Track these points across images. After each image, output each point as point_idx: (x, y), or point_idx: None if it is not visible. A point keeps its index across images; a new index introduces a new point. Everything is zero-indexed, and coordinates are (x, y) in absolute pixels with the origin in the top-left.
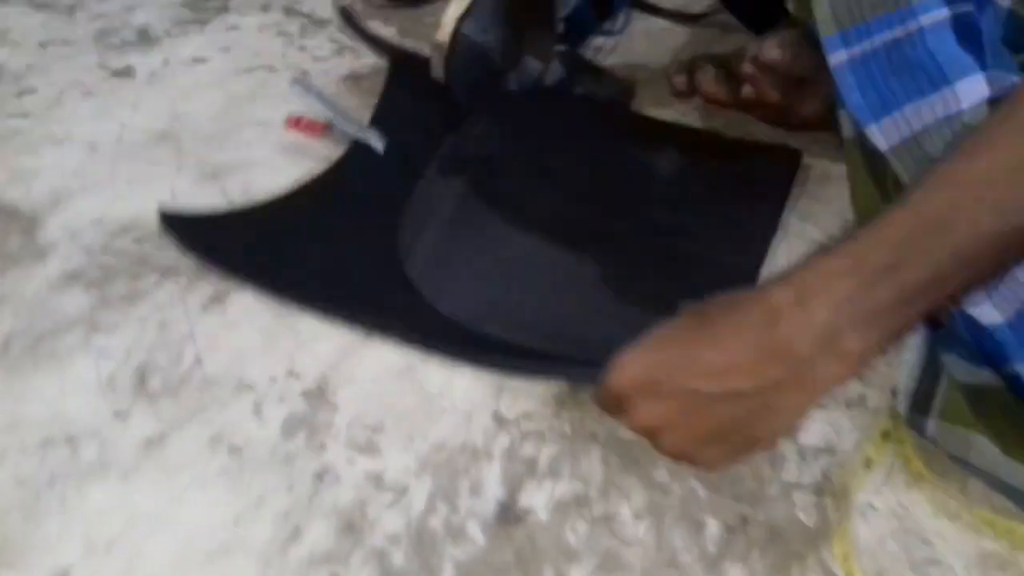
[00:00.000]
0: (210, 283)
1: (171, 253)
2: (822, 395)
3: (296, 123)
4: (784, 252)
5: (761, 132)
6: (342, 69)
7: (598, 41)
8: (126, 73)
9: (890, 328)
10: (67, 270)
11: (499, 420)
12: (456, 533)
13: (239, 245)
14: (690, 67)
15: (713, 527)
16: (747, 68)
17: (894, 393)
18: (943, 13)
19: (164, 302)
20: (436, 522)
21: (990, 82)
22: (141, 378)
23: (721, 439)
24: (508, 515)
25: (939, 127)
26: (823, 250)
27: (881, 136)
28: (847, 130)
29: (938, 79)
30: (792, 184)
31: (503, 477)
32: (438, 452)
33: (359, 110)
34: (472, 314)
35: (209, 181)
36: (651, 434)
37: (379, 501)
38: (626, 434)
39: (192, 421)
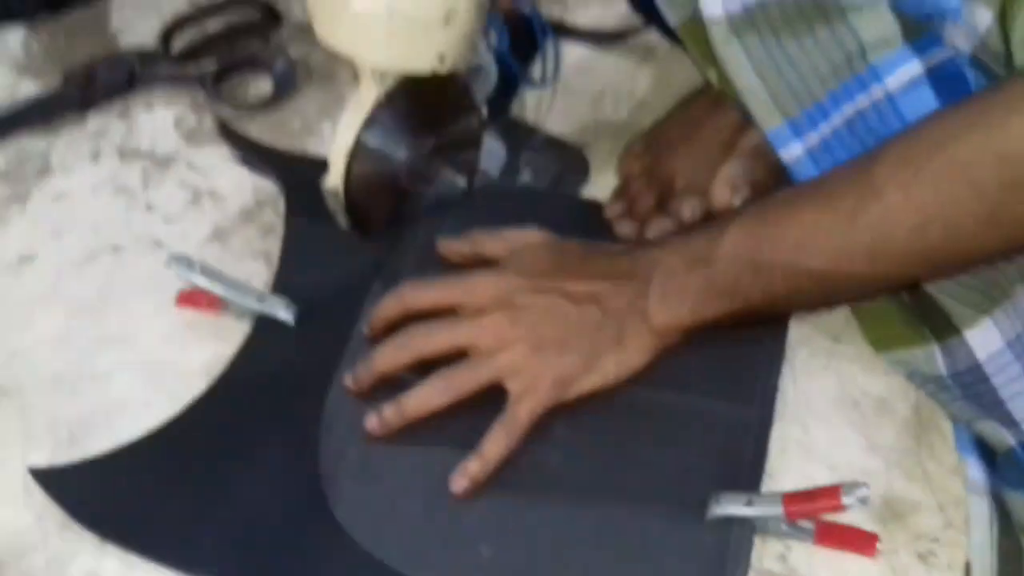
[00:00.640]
0: None
1: None
2: (630, 356)
3: (189, 298)
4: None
5: None
6: (203, 227)
7: (530, 97)
8: None
9: (697, 312)
10: None
11: None
12: None
13: (120, 502)
14: (630, 203)
15: None
16: (687, 212)
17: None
18: (914, 68)
19: None
20: None
21: None
22: None
23: (560, 348)
24: None
25: None
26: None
27: None
28: None
29: None
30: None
31: None
32: None
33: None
34: (415, 561)
35: (66, 450)
36: (495, 336)
37: None
38: None
39: None
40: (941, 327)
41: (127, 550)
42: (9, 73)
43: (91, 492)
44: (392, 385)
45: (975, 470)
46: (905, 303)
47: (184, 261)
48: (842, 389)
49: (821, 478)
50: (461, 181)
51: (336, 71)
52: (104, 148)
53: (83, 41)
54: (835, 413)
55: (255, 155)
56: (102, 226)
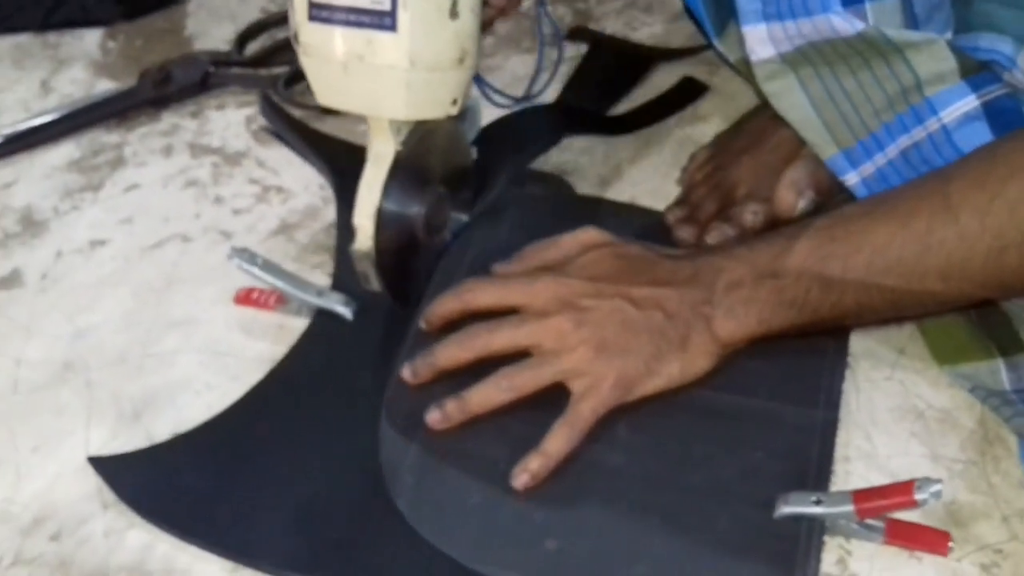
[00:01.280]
0: None
1: (98, 548)
2: (694, 360)
3: (247, 297)
4: None
5: None
6: (270, 220)
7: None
8: (14, 281)
9: (764, 322)
10: None
11: None
12: None
13: (178, 490)
14: (691, 210)
15: None
16: (749, 218)
17: None
18: (970, 102)
19: None
20: None
21: None
22: None
23: (623, 350)
24: None
25: None
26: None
27: None
28: None
29: None
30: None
31: None
32: None
33: (300, 275)
34: (480, 555)
35: (129, 425)
36: (558, 338)
37: None
38: None
39: None
40: (1007, 343)
41: (185, 540)
42: (86, 71)
43: (149, 481)
44: (449, 379)
45: None
46: (972, 318)
47: (246, 254)
48: (906, 400)
49: None
50: (464, 219)
51: None
52: (176, 144)
53: (159, 44)
54: (898, 424)
55: (304, 141)
56: (171, 216)
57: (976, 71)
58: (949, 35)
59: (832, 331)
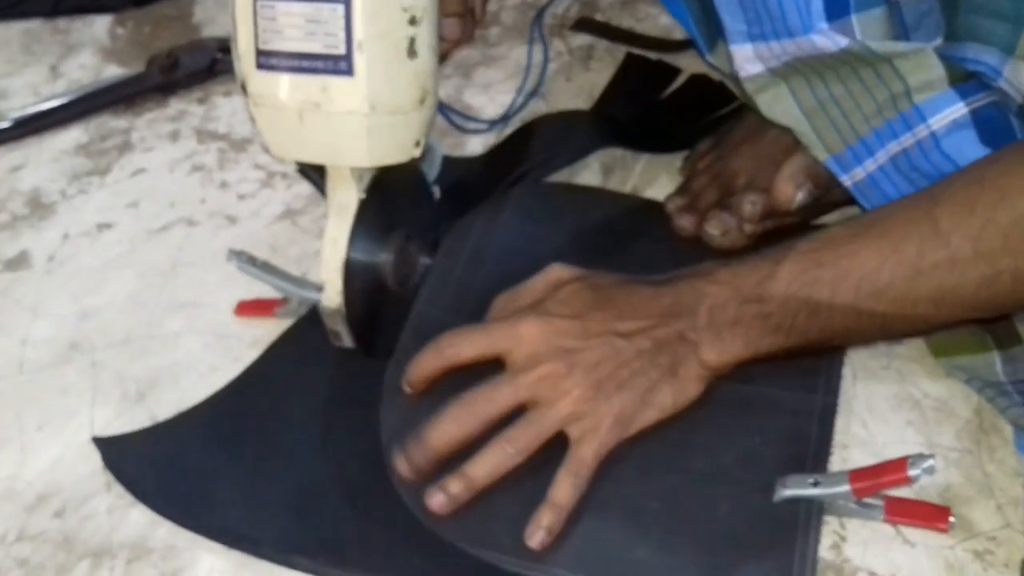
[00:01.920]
0: (152, 564)
1: (101, 525)
2: (685, 387)
3: (247, 308)
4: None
5: None
6: (275, 205)
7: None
8: (21, 262)
9: (752, 347)
10: None
11: None
12: None
13: (174, 474)
14: (692, 199)
15: None
16: (748, 208)
17: None
18: (959, 109)
19: None
20: None
21: None
22: None
23: (618, 388)
24: None
25: None
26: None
27: None
28: None
29: None
30: None
31: None
32: None
33: (303, 260)
34: (479, 540)
35: (132, 406)
36: (553, 386)
37: None
38: None
39: None
40: (1003, 336)
41: (183, 526)
42: (95, 57)
43: (149, 464)
44: (441, 385)
45: None
46: None
47: (244, 256)
48: (903, 389)
49: None
50: (429, 262)
51: None
52: (183, 130)
53: (167, 31)
54: (895, 412)
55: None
56: (177, 201)
57: (964, 79)
58: (939, 41)
59: (824, 352)
